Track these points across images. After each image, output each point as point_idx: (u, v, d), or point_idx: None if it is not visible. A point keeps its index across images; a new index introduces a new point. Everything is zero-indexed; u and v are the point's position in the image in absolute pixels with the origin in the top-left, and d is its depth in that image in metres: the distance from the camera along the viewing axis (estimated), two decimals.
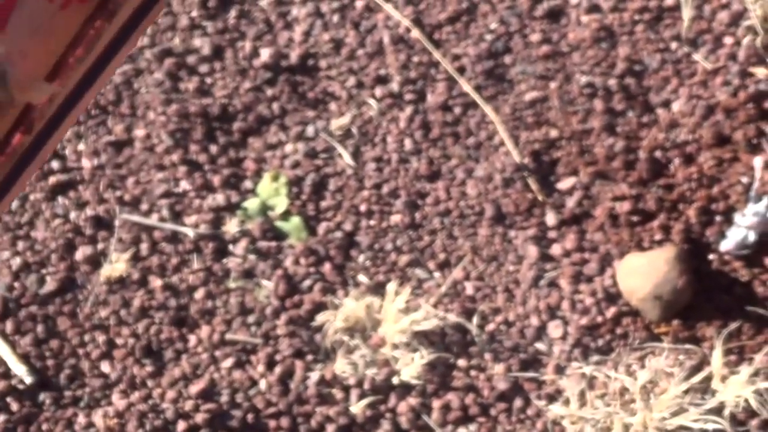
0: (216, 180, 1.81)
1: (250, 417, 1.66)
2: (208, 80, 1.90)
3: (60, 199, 1.81)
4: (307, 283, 1.75)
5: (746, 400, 1.62)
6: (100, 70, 0.29)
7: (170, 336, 1.71)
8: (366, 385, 1.68)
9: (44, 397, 1.66)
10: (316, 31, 1.94)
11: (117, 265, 1.73)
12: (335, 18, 1.95)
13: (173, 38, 1.93)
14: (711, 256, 1.72)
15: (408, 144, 1.85)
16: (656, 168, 1.80)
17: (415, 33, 1.88)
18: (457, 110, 1.88)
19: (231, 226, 1.78)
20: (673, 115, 1.84)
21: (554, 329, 1.72)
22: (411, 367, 1.68)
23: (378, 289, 1.75)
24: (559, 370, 1.69)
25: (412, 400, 1.68)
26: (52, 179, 1.81)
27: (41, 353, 1.68)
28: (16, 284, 1.73)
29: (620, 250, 1.75)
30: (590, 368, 1.68)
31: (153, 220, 1.77)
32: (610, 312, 1.71)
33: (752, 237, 1.69)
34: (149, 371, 1.68)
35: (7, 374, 1.66)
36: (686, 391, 1.64)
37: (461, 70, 1.89)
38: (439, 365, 1.70)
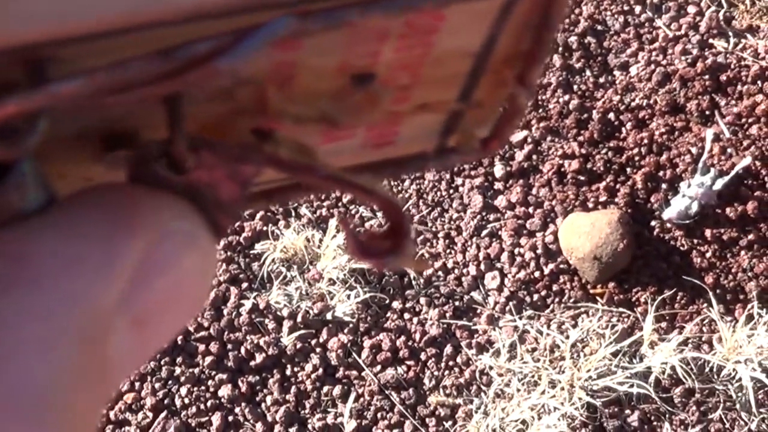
0: None
1: (179, 338, 1.63)
2: None
3: None
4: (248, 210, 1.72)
5: (673, 368, 1.63)
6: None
7: None
8: (299, 318, 1.66)
9: None
10: None
11: None
12: None
13: None
14: (653, 223, 1.73)
15: None
16: (608, 130, 1.80)
17: None
18: None
19: None
20: (630, 78, 1.84)
21: (491, 280, 1.72)
22: (345, 304, 1.67)
23: (319, 224, 1.73)
24: (493, 321, 1.69)
25: (344, 337, 1.66)
26: None
27: None
28: None
29: (564, 208, 1.75)
30: (523, 322, 1.68)
31: None
32: (548, 268, 1.71)
33: (695, 207, 1.70)
34: None
35: None
36: (615, 354, 1.65)
37: None
38: (374, 305, 1.69)
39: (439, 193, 1.77)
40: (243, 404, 1.64)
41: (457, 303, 1.70)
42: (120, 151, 0.24)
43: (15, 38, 0.19)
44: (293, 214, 1.74)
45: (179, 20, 0.20)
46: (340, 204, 1.75)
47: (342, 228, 0.27)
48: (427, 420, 1.64)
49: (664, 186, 1.75)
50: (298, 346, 1.65)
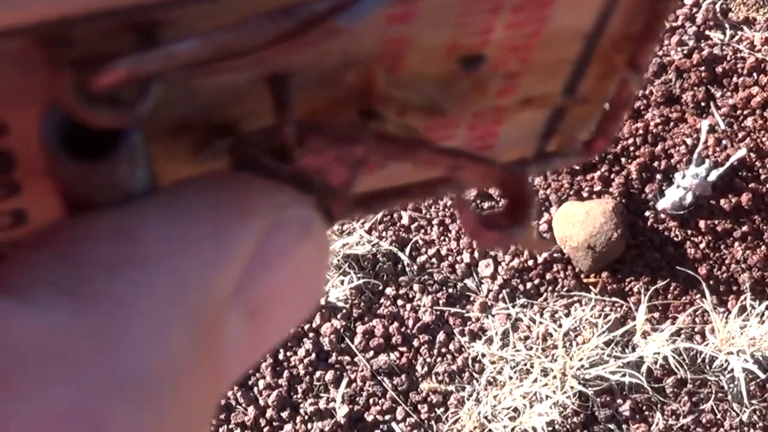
0: None
1: None
2: None
3: None
4: None
5: (665, 358, 1.64)
6: None
7: None
8: None
9: None
10: None
11: None
12: None
13: None
14: (647, 213, 1.73)
15: None
16: None
17: None
18: None
19: None
20: None
21: (485, 268, 1.72)
22: (339, 289, 1.67)
23: None
24: (486, 308, 1.69)
25: (337, 323, 1.66)
26: None
27: None
28: None
29: (559, 197, 1.75)
30: (516, 310, 1.68)
31: None
32: (542, 257, 1.71)
33: (690, 198, 1.70)
34: None
35: None
36: (607, 343, 1.65)
37: None
38: (367, 291, 1.68)
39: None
40: (235, 388, 1.63)
41: (450, 290, 1.70)
42: (222, 141, 0.23)
43: None
44: None
45: None
46: None
47: (458, 207, 0.25)
48: (419, 406, 1.64)
49: (658, 176, 1.75)
50: (291, 330, 1.65)
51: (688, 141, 1.76)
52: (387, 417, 1.63)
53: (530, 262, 1.71)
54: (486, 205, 1.73)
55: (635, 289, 1.69)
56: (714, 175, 1.70)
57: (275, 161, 0.23)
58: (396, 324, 1.67)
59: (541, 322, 1.67)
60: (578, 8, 0.23)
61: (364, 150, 0.23)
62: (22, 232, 0.24)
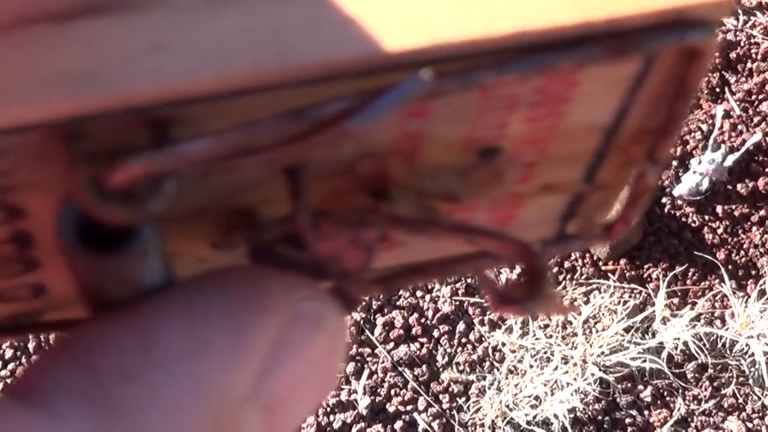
0: None
1: None
2: None
3: None
4: None
5: (685, 343, 1.64)
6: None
7: None
8: None
9: None
10: None
11: None
12: None
13: None
14: (664, 200, 1.73)
15: None
16: None
17: None
18: None
19: None
20: None
21: None
22: None
23: None
24: None
25: (357, 315, 1.67)
26: None
27: None
28: None
29: None
30: None
31: None
32: None
33: (706, 184, 1.70)
34: None
35: None
36: (627, 330, 1.65)
37: None
38: None
39: None
40: None
41: (469, 280, 1.70)
42: (237, 234, 0.23)
43: (140, 96, 0.18)
44: None
45: (307, 80, 0.19)
46: None
47: (481, 283, 0.26)
48: (440, 396, 1.64)
49: (674, 163, 1.75)
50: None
51: (704, 127, 1.76)
52: (409, 407, 1.64)
53: None
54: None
55: (654, 276, 1.69)
56: (730, 161, 1.70)
57: (290, 249, 0.23)
58: (416, 315, 1.68)
59: None
60: (596, 104, 0.23)
61: (377, 234, 0.24)
62: (40, 303, 0.25)
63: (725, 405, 1.62)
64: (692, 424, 1.62)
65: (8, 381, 1.62)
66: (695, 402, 1.63)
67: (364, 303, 1.67)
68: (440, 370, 1.65)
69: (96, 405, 0.19)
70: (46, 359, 0.20)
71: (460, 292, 1.69)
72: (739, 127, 1.75)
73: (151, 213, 0.19)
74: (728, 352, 1.64)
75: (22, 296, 0.24)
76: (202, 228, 0.24)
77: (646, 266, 1.70)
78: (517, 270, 1.66)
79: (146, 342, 0.19)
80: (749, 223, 1.71)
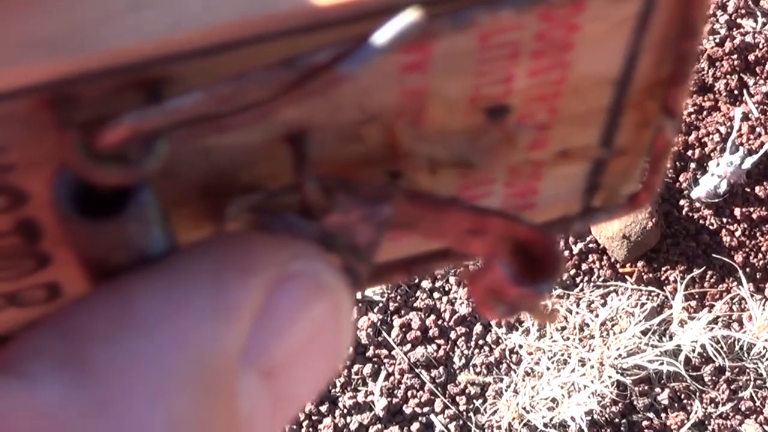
0: None
1: None
2: None
3: None
4: None
5: (702, 346, 1.63)
6: None
7: None
8: None
9: None
10: None
11: None
12: None
13: None
14: (682, 202, 1.73)
15: None
16: None
17: None
18: None
19: None
20: None
21: None
22: None
23: None
24: None
25: (374, 317, 1.67)
26: None
27: None
28: None
29: None
30: (552, 301, 1.68)
31: None
32: (578, 247, 1.72)
33: (724, 186, 1.70)
34: None
35: None
36: (644, 332, 1.65)
37: None
38: (403, 284, 1.69)
39: None
40: None
41: None
42: (246, 199, 0.23)
43: (123, 54, 0.18)
44: None
45: (293, 29, 0.19)
46: None
47: (467, 278, 0.25)
48: (457, 398, 1.64)
49: (692, 165, 1.75)
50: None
51: (722, 129, 1.76)
52: (425, 409, 1.64)
53: (566, 253, 1.72)
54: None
55: (671, 278, 1.69)
56: (748, 163, 1.70)
57: (299, 219, 0.22)
58: (433, 317, 1.68)
59: (577, 313, 1.67)
60: (601, 52, 0.22)
61: (392, 209, 0.23)
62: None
63: (742, 408, 1.62)
64: (709, 427, 1.62)
65: None
66: (712, 405, 1.63)
67: (380, 304, 1.68)
68: (457, 372, 1.66)
69: (71, 368, 0.18)
70: (28, 329, 0.19)
71: None
72: (758, 129, 1.75)
73: (144, 172, 0.19)
74: (746, 355, 1.64)
75: (37, 299, 0.24)
76: (207, 209, 0.23)
77: (663, 269, 1.70)
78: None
79: (125, 305, 0.19)
80: (767, 226, 1.70)
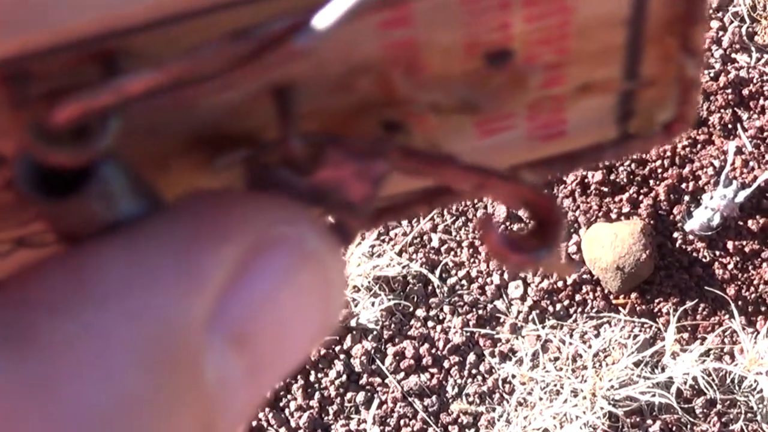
0: None
1: None
2: None
3: None
4: None
5: (694, 378, 1.64)
6: None
7: None
8: None
9: None
10: None
11: None
12: None
13: None
14: (675, 234, 1.74)
15: None
16: None
17: None
18: None
19: None
20: None
21: (515, 289, 1.73)
22: (370, 311, 1.68)
23: None
24: (515, 330, 1.70)
25: (368, 344, 1.68)
26: None
27: None
28: None
29: (587, 219, 1.76)
30: (546, 331, 1.69)
31: None
32: (571, 278, 1.73)
33: (718, 219, 1.71)
34: None
35: None
36: (637, 364, 1.66)
37: None
38: (398, 312, 1.70)
39: (463, 203, 1.78)
40: (266, 409, 1.65)
41: (480, 311, 1.71)
42: (234, 154, 0.22)
43: (78, 30, 0.18)
44: None
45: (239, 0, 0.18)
46: None
47: (482, 228, 0.24)
48: (449, 427, 1.65)
49: (686, 198, 1.76)
50: (322, 352, 1.67)
51: (716, 163, 1.77)
52: None
53: (560, 284, 1.73)
54: (515, 227, 1.75)
55: (664, 310, 1.70)
56: (741, 197, 1.71)
57: (290, 174, 0.21)
58: (426, 345, 1.69)
59: (570, 343, 1.68)
60: None
61: (386, 167, 0.22)
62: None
63: None
64: None
65: None
66: None
67: (374, 332, 1.68)
68: (450, 401, 1.66)
69: (13, 342, 0.17)
70: None
71: (471, 323, 1.70)
72: (751, 163, 1.76)
73: (98, 151, 0.18)
74: (737, 388, 1.64)
75: (44, 241, 0.23)
76: (202, 157, 0.22)
77: (656, 300, 1.71)
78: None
79: (79, 273, 0.18)
80: (759, 259, 1.71)
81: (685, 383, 1.65)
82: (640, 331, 1.69)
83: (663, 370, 1.66)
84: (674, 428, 1.64)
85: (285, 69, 0.18)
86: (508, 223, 1.75)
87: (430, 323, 1.70)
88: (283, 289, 0.19)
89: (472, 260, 1.75)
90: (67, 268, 0.18)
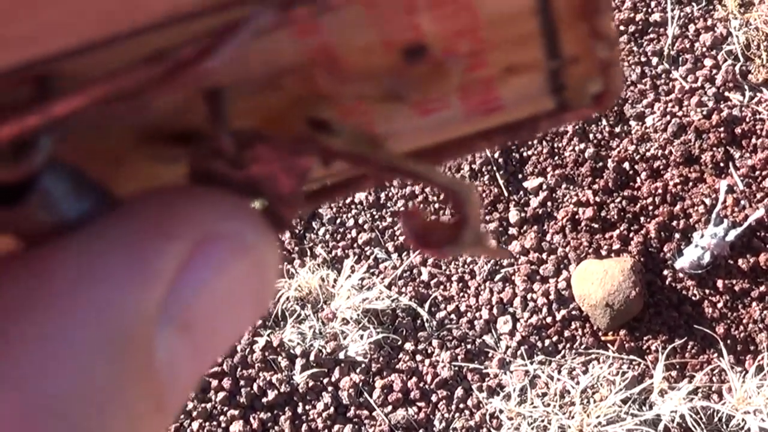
0: None
1: None
2: None
3: None
4: None
5: (682, 416, 1.64)
6: None
7: None
8: (312, 357, 1.68)
9: None
10: None
11: None
12: None
13: None
14: (665, 272, 1.74)
15: None
16: (623, 179, 1.82)
17: None
18: None
19: None
20: (645, 128, 1.86)
21: (503, 324, 1.73)
22: (358, 344, 1.69)
23: (335, 264, 1.75)
24: (504, 365, 1.70)
25: (356, 377, 1.68)
26: None
27: None
28: None
29: (578, 255, 1.76)
30: (534, 367, 1.69)
31: None
32: (560, 314, 1.73)
33: (708, 258, 1.71)
34: None
35: None
36: (625, 401, 1.66)
37: None
38: (386, 346, 1.70)
39: None
40: None
41: (469, 346, 1.71)
42: (177, 149, 0.24)
43: (6, 60, 0.19)
44: (308, 253, 1.76)
45: (158, 24, 0.20)
46: (355, 245, 1.77)
47: (402, 217, 0.26)
48: None
49: (677, 236, 1.77)
50: (310, 384, 1.67)
51: (707, 201, 1.77)
52: None
53: (549, 320, 1.73)
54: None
55: (653, 348, 1.70)
56: (732, 235, 1.71)
57: (227, 167, 0.23)
58: (414, 379, 1.69)
59: (558, 379, 1.68)
60: None
61: (309, 163, 0.24)
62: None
63: None
64: None
65: None
66: None
67: (363, 365, 1.68)
68: None
69: None
70: None
71: (459, 357, 1.70)
72: (742, 202, 1.76)
73: (30, 168, 0.20)
74: (724, 426, 1.64)
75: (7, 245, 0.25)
76: (154, 149, 0.24)
77: (645, 338, 1.71)
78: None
79: (38, 279, 0.19)
80: (749, 298, 1.71)
81: (673, 421, 1.64)
82: (629, 368, 1.69)
83: (651, 407, 1.66)
84: None
85: (196, 84, 0.20)
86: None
87: (419, 357, 1.70)
88: (222, 279, 0.21)
89: (461, 294, 1.75)
90: (29, 274, 0.20)
